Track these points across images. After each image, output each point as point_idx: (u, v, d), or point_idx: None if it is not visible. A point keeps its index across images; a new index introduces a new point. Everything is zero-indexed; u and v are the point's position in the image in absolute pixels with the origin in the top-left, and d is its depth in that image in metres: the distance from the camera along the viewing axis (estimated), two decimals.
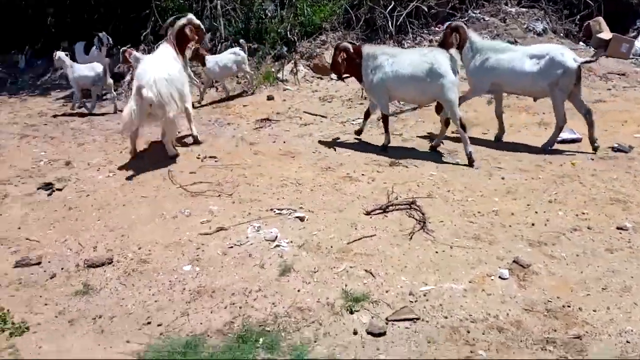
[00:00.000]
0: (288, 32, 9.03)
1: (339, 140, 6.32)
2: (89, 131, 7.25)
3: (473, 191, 4.81)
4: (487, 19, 9.75)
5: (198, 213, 4.59)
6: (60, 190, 5.22)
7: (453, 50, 5.67)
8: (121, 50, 8.14)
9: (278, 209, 4.55)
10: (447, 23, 6.44)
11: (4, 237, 4.26)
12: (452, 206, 4.52)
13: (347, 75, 6.41)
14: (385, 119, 5.94)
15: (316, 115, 7.33)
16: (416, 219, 4.24)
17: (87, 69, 8.05)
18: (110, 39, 8.92)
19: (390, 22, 8.85)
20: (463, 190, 4.83)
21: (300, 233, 4.12)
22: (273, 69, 8.99)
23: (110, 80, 8.18)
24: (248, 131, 6.82)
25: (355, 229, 4.16)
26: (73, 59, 8.61)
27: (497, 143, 6.09)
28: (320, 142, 6.28)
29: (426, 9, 9.14)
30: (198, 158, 5.92)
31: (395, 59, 5.69)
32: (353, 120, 7.06)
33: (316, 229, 4.17)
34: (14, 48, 11.72)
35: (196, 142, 6.36)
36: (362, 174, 5.26)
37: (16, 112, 8.57)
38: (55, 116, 8.10)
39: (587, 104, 5.81)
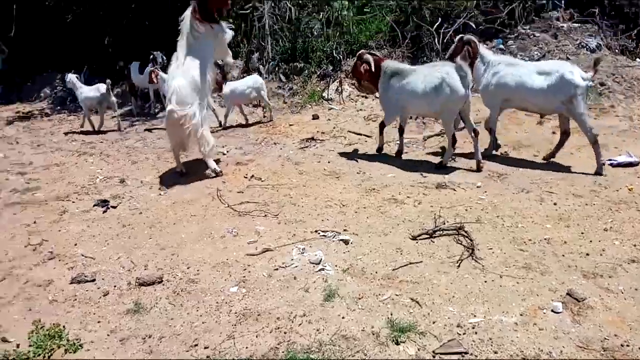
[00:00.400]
0: (334, 51, 9.11)
1: (384, 161, 6.30)
2: (142, 149, 7.52)
3: (523, 217, 4.68)
4: (537, 35, 9.53)
5: (245, 233, 4.67)
6: (114, 207, 5.42)
7: (462, 63, 5.69)
8: (149, 70, 8.52)
9: (322, 231, 4.57)
10: (459, 36, 6.34)
11: (62, 253, 4.46)
12: (502, 232, 4.41)
13: (367, 82, 6.62)
14: (382, 126, 6.48)
15: (361, 134, 7.35)
16: (464, 246, 4.16)
17: (92, 90, 8.63)
18: (165, 58, 9.25)
19: (436, 39, 8.79)
20: (513, 215, 4.71)
21: (344, 257, 4.12)
22: (318, 88, 9.09)
23: (113, 99, 8.66)
24: (294, 151, 6.90)
25: (401, 254, 4.12)
26: (116, 77, 9.00)
27: (548, 164, 5.92)
28: (363, 161, 6.28)
29: (474, 26, 9.02)
30: (245, 177, 6.03)
31: (409, 77, 5.98)
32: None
33: (361, 252, 4.16)
34: (74, 67, 12.35)
35: (217, 174, 6.12)
36: (408, 197, 5.22)
37: (74, 130, 8.99)
38: (65, 133, 8.48)
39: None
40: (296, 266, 4.03)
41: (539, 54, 8.97)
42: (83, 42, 11.62)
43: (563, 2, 9.98)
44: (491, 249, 4.16)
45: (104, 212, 5.34)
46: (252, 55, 9.59)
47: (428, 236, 4.38)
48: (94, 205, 5.48)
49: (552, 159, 6.08)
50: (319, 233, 4.56)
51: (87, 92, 8.64)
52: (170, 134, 6.04)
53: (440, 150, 6.57)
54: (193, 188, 5.82)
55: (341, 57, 9.15)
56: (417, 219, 4.72)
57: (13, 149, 8.10)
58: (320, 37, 9.50)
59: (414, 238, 4.36)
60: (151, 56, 9.27)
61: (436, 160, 6.24)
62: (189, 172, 6.33)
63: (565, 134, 6.01)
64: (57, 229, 4.98)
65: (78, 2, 10.59)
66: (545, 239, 4.29)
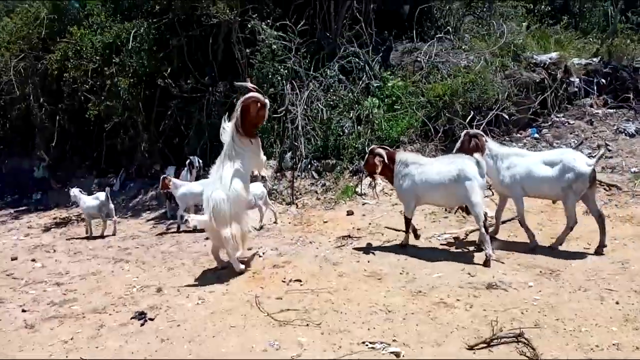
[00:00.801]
0: (366, 147, 9.21)
1: (426, 258, 6.08)
2: (177, 254, 7.48)
3: (585, 319, 4.34)
4: (572, 122, 9.53)
5: (287, 346, 4.42)
6: (152, 320, 5.26)
7: (478, 155, 5.98)
8: (161, 177, 8.75)
9: (370, 342, 4.30)
10: (465, 131, 6.52)
11: None
12: (565, 338, 4.07)
13: (381, 175, 6.77)
14: (407, 221, 6.47)
15: (398, 230, 7.17)
16: (527, 357, 3.83)
17: (92, 199, 9.05)
18: (201, 162, 9.48)
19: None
20: (574, 318, 4.37)
21: None
22: (351, 183, 9.10)
23: (111, 206, 9.01)
24: (330, 250, 6.76)
25: None
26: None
27: (601, 258, 5.61)
28: (404, 259, 6.08)
29: (507, 117, 9.08)
30: (284, 282, 5.86)
31: (425, 168, 6.18)
32: (439, 236, 6.84)
33: None
34: (110, 172, 12.80)
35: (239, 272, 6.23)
36: (458, 299, 4.94)
37: (111, 236, 9.08)
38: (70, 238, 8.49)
39: (600, 208, 6.09)
40: None
41: (575, 141, 8.90)
42: (120, 147, 12.10)
43: (596, 88, 10.05)
44: (556, 358, 3.81)
45: (142, 325, 5.19)
46: (285, 155, 9.76)
47: (486, 345, 4.06)
48: (132, 318, 5.34)
49: (604, 249, 5.80)
50: (366, 344, 4.29)
51: (89, 201, 9.09)
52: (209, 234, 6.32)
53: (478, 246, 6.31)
54: (231, 295, 5.66)
55: None
56: (471, 325, 4.42)
57: (50, 257, 8.16)
58: (352, 134, 9.66)
59: (470, 348, 4.06)
60: (188, 161, 9.52)
61: (479, 255, 5.99)
62: (226, 276, 6.22)
63: (600, 217, 5.87)
64: (95, 345, 4.82)
65: (118, 113, 11.14)
66: (614, 344, 3.93)
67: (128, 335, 4.97)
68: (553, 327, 4.25)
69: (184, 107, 11.42)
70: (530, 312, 4.55)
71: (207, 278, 6.30)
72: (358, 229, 7.53)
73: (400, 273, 5.73)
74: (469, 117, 9.05)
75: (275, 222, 8.37)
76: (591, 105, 10.01)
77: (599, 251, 5.78)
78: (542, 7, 13.07)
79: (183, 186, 8.65)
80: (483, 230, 5.81)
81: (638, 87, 9.94)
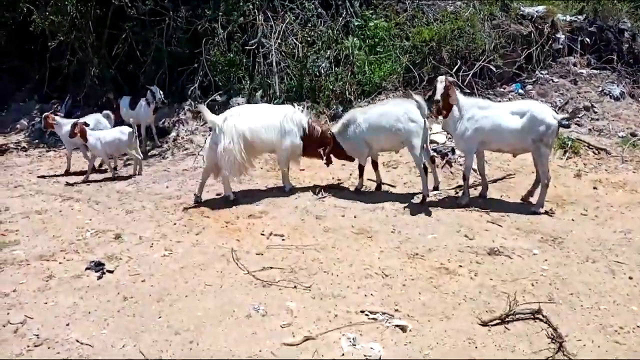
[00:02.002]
0: (346, 91, 8.51)
1: (417, 217, 5.61)
2: (136, 195, 6.67)
3: (601, 295, 4.01)
4: (556, 80, 9.13)
5: (275, 312, 3.87)
6: (111, 272, 4.56)
7: (419, 97, 5.95)
8: (43, 115, 7.76)
9: (371, 312, 3.81)
10: (444, 77, 5.88)
11: (50, 338, 3.57)
12: (584, 317, 3.73)
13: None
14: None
15: (381, 183, 6.65)
16: (550, 337, 3.45)
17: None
18: (162, 94, 8.50)
19: (458, 83, 8.26)
20: (588, 293, 4.03)
21: (407, 351, 3.36)
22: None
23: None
24: (311, 201, 6.16)
25: (476, 347, 3.39)
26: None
27: (602, 226, 5.33)
28: (393, 216, 5.60)
29: (494, 69, 8.57)
30: (263, 235, 5.25)
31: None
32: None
33: (426, 345, 3.41)
34: (54, 97, 11.47)
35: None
36: (460, 266, 4.51)
37: (56, 169, 8.08)
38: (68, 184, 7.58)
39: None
40: None
41: (561, 100, 8.55)
42: (67, 70, 10.77)
43: (579, 47, 9.66)
44: (580, 340, 3.47)
45: (99, 277, 4.47)
46: (255, 93, 8.90)
47: (500, 321, 3.66)
48: (87, 269, 4.61)
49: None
50: (366, 314, 3.80)
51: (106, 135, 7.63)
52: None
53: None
54: (203, 247, 5.01)
55: (352, 97, 8.54)
56: (479, 297, 4.01)
57: None
58: (329, 75, 8.90)
59: (484, 324, 3.64)
60: (148, 91, 8.50)
61: (472, 215, 5.59)
62: (195, 225, 5.54)
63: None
64: (43, 300, 4.10)
65: (65, 30, 9.79)
66: (638, 326, 3.62)
67: (83, 290, 4.26)
68: (569, 303, 3.90)
69: (141, 32, 10.19)
70: (541, 284, 4.18)
71: (172, 226, 5.59)
72: (338, 180, 6.96)
73: (392, 231, 5.25)
74: (455, 67, 8.46)
75: (139, 174, 7.63)
76: (575, 64, 9.64)
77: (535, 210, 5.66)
78: None
79: (93, 135, 7.39)
80: (422, 171, 5.93)
81: (622, 49, 9.62)
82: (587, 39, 9.76)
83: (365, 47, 8.95)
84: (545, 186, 5.67)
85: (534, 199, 5.87)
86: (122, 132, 7.43)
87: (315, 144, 6.45)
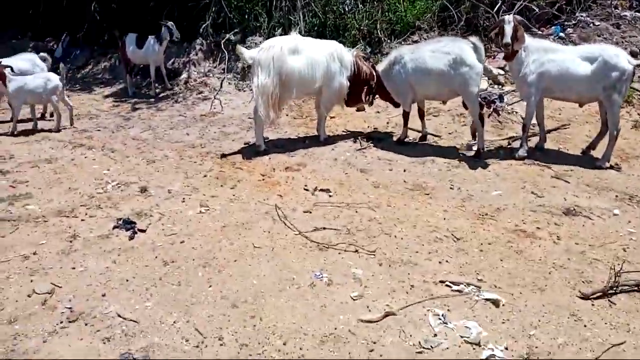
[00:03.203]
0: (375, 30, 7.76)
1: (474, 171, 5.08)
2: (154, 143, 6.05)
3: None
4: (597, 23, 8.42)
5: (340, 280, 3.38)
6: (144, 231, 4.02)
7: (475, 39, 5.34)
8: None
9: (453, 283, 3.33)
10: (513, 16, 5.31)
11: (87, 313, 3.06)
12: None
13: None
14: (523, 125, 5.46)
15: (426, 133, 6.08)
16: None
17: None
18: (177, 33, 7.70)
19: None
20: None
21: (508, 329, 2.90)
22: None
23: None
24: (351, 153, 5.60)
25: (584, 325, 2.94)
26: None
27: None
28: (447, 170, 5.07)
29: (537, 9, 7.83)
30: (307, 190, 4.71)
31: (555, 55, 5.17)
32: (474, 143, 5.82)
33: (528, 323, 2.95)
34: (50, 35, 10.54)
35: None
36: (538, 227, 4.03)
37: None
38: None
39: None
40: (447, 347, 2.79)
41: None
42: (65, 4, 9.80)
43: None
44: None
45: (131, 238, 3.94)
46: (274, 32, 8.11)
47: (602, 294, 3.21)
48: (115, 227, 4.06)
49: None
50: (447, 285, 3.32)
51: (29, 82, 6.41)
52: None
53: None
54: (242, 204, 4.46)
55: (382, 37, 7.80)
56: (570, 264, 3.54)
57: None
58: (356, 13, 8.11)
59: (585, 297, 3.19)
60: (164, 28, 7.67)
61: (533, 169, 5.08)
62: (228, 177, 4.98)
63: (607, 125, 5.27)
64: (71, 265, 3.56)
65: None
66: None
67: (115, 253, 3.73)
68: None
69: None
70: (634, 251, 3.72)
71: (202, 178, 5.03)
72: (375, 128, 6.36)
73: (451, 188, 4.73)
74: (497, 6, 7.70)
75: (71, 125, 6.67)
76: (615, 7, 8.92)
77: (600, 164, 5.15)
78: None
79: (15, 80, 6.21)
80: (479, 122, 5.36)
81: None
82: None
83: None
84: (615, 138, 5.15)
85: (595, 152, 5.38)
86: (49, 80, 6.36)
87: (360, 87, 5.81)
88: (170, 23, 7.70)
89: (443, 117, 6.50)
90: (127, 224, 4.07)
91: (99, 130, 6.58)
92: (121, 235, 3.96)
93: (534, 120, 5.69)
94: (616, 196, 4.59)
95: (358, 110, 6.77)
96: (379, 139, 5.97)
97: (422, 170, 5.10)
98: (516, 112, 6.39)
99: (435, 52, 5.38)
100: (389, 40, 7.87)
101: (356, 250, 3.72)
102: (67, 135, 6.41)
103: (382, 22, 7.81)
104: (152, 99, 7.85)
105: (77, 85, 8.91)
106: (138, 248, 3.80)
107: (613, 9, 8.81)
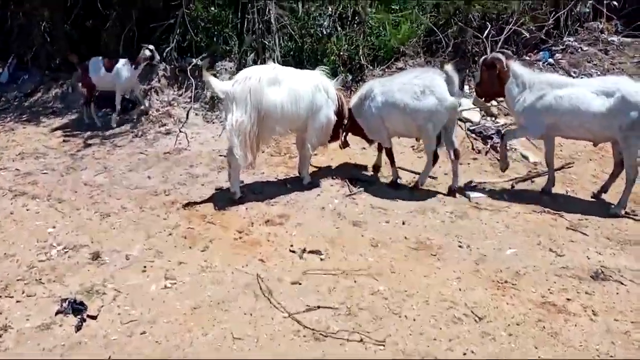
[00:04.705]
0: (357, 55, 7.17)
1: (480, 222, 4.49)
2: (110, 189, 5.22)
3: None
4: (585, 48, 8.10)
5: None
6: (94, 318, 3.23)
7: (449, 67, 4.80)
8: None
9: None
10: (483, 58, 5.15)
11: None
12: None
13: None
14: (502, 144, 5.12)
15: (418, 173, 5.47)
16: None
17: None
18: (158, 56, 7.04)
19: (488, 49, 7.08)
20: None
21: None
22: None
23: None
24: (339, 199, 4.93)
25: None
26: None
27: None
28: (450, 221, 4.47)
29: (526, 34, 7.40)
30: (293, 252, 4.00)
31: (564, 90, 4.70)
32: (473, 185, 5.26)
33: None
34: None
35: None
36: (568, 299, 3.44)
37: (2, 150, 6.44)
38: None
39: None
40: None
41: (597, 72, 7.52)
42: (10, 25, 8.88)
43: (605, 11, 8.62)
44: None
45: (78, 328, 3.14)
46: (246, 57, 7.43)
47: None
48: (58, 313, 3.26)
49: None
50: None
51: None
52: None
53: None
54: (217, 273, 3.72)
55: (365, 64, 7.21)
56: (615, 350, 2.95)
57: None
58: (332, 36, 7.51)
59: None
60: (145, 50, 7.01)
61: (545, 218, 4.53)
62: (197, 234, 4.23)
63: (621, 165, 4.80)
64: None
65: None
66: None
67: (56, 353, 2.93)
68: None
69: None
70: None
71: (167, 237, 4.26)
72: (361, 167, 5.72)
73: (460, 246, 4.10)
74: (486, 31, 7.24)
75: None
76: (602, 31, 8.64)
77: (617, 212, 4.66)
78: None
79: None
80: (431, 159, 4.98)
81: None
82: (615, 3, 8.75)
83: (378, 3, 7.57)
84: (632, 184, 4.65)
85: (604, 193, 5.00)
86: None
87: (341, 121, 5.23)
88: (150, 46, 6.96)
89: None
90: (74, 307, 3.28)
91: (45, 173, 5.71)
92: (66, 325, 3.17)
93: (536, 160, 5.23)
94: None
95: (342, 147, 6.12)
96: (369, 181, 5.32)
97: (423, 222, 4.46)
98: (515, 149, 5.87)
99: (405, 84, 4.87)
100: (371, 67, 7.30)
101: (361, 340, 3.04)
102: (7, 179, 5.52)
103: (364, 48, 7.23)
104: (108, 132, 6.99)
105: (24, 116, 7.96)
106: (87, 343, 3.02)
107: (599, 33, 8.54)
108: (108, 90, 7.29)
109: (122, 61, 7.03)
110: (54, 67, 8.73)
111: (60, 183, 5.42)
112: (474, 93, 5.70)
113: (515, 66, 4.93)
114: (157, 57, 7.08)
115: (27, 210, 4.78)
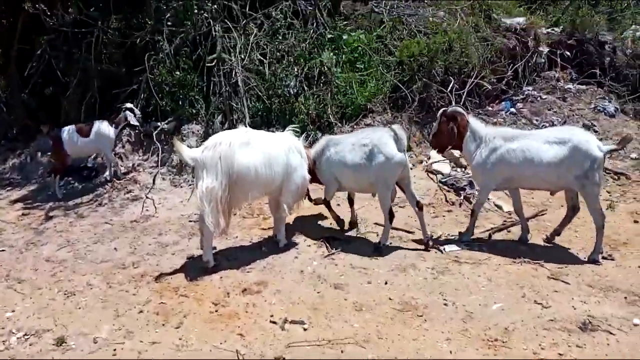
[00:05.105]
0: (325, 114, 7.23)
1: (462, 276, 4.40)
2: (74, 265, 4.93)
3: None
4: (544, 97, 8.42)
5: None
6: None
7: (397, 127, 4.93)
8: None
9: None
10: (442, 110, 5.24)
11: None
12: None
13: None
14: (474, 210, 5.09)
15: (398, 229, 5.41)
16: None
17: None
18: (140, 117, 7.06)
19: (453, 101, 7.25)
20: None
21: None
22: None
23: None
24: (318, 260, 4.78)
25: None
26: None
27: None
28: (433, 277, 4.36)
29: (489, 86, 7.64)
30: (274, 323, 3.79)
31: (517, 142, 4.79)
32: (451, 238, 5.21)
33: None
34: None
35: None
36: (560, 354, 3.34)
37: None
38: None
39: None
40: None
41: (558, 120, 7.78)
42: None
43: (559, 61, 9.06)
44: None
45: None
46: (214, 119, 7.38)
47: None
48: None
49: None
50: None
51: None
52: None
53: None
54: (193, 352, 3.47)
55: (333, 121, 7.26)
56: None
57: None
58: (300, 95, 7.58)
59: None
60: (125, 111, 6.95)
61: (525, 269, 4.49)
62: (170, 309, 3.98)
63: (574, 210, 5.00)
64: None
65: None
66: None
67: None
68: None
69: (62, 46, 8.32)
70: None
71: (138, 315, 3.99)
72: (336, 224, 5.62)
73: (445, 304, 3.98)
74: (450, 85, 7.45)
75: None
76: (558, 80, 9.04)
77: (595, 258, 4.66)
78: None
79: None
80: (387, 218, 4.92)
81: (604, 62, 9.12)
82: (567, 52, 9.22)
83: (344, 62, 7.72)
84: (601, 228, 4.67)
85: (557, 236, 5.10)
86: None
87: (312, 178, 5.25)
88: (129, 104, 6.90)
89: (411, 209, 5.86)
90: None
91: (3, 250, 5.37)
92: None
93: (509, 209, 5.26)
94: (625, 298, 4.03)
95: (315, 203, 6.03)
96: (346, 240, 5.21)
97: (406, 281, 4.34)
98: (488, 199, 5.89)
99: (355, 144, 4.98)
100: (340, 124, 7.35)
101: None
102: None
103: (332, 106, 7.30)
104: (71, 202, 6.71)
105: None
106: None
107: (556, 81, 8.92)
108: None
109: (99, 123, 6.93)
110: (11, 136, 8.47)
111: (19, 261, 5.10)
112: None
113: (472, 120, 5.05)
114: (137, 116, 7.01)
115: None
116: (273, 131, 6.23)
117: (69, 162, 7.08)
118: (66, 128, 6.89)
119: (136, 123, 7.13)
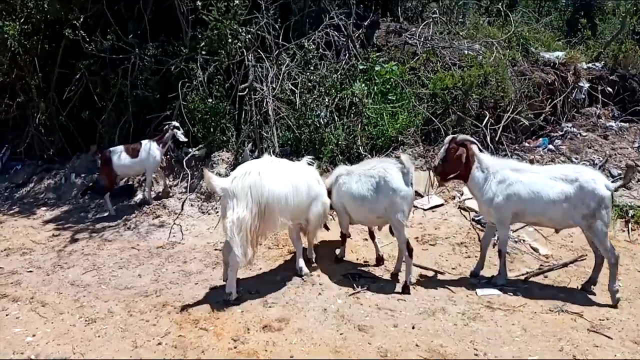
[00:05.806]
0: (355, 145, 7.13)
1: (495, 324, 4.16)
2: (97, 290, 4.90)
3: None
4: (584, 134, 8.14)
5: None
6: None
7: (405, 157, 4.79)
8: None
9: None
10: (451, 136, 5.06)
11: None
12: None
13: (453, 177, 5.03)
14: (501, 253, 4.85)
15: (426, 268, 5.21)
16: None
17: None
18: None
19: (487, 137, 7.07)
20: None
21: None
22: None
23: None
24: (342, 299, 4.62)
25: None
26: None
27: None
28: (461, 321, 4.13)
29: (525, 122, 7.43)
30: None
31: (524, 175, 4.70)
32: (485, 282, 4.96)
33: None
34: None
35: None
36: None
37: None
38: None
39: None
40: None
41: (599, 159, 7.47)
42: (4, 117, 8.94)
43: (600, 97, 8.79)
44: None
45: None
46: (244, 147, 7.37)
47: None
48: None
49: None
50: None
51: None
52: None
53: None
54: None
55: (363, 152, 7.16)
56: None
57: None
58: (329, 125, 7.51)
59: None
60: (173, 129, 7.14)
61: (563, 319, 4.22)
62: (190, 343, 3.87)
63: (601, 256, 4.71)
64: None
65: (3, 70, 8.04)
66: None
67: None
68: None
69: (100, 72, 8.54)
70: None
71: (156, 347, 3.89)
72: (364, 262, 5.45)
73: (475, 354, 3.75)
74: (485, 120, 7.26)
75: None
76: (599, 117, 8.75)
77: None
78: None
79: None
80: (406, 253, 4.67)
81: None
82: (609, 88, 8.94)
83: (375, 94, 7.65)
84: (614, 265, 4.49)
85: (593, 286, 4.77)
86: None
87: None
88: (175, 123, 7.11)
89: (442, 247, 5.68)
90: None
91: (30, 271, 5.41)
92: None
93: (547, 252, 5.02)
94: None
95: (342, 237, 5.88)
96: (373, 278, 5.03)
97: (434, 326, 4.13)
98: (523, 240, 5.65)
99: (361, 176, 4.87)
100: (369, 155, 7.23)
101: None
102: None
103: (362, 137, 7.21)
104: (99, 225, 6.76)
105: (15, 207, 7.77)
106: None
107: (597, 118, 8.65)
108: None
109: (147, 143, 7.06)
110: (47, 157, 8.66)
111: (45, 283, 5.11)
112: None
113: (477, 151, 4.90)
114: (182, 133, 7.18)
115: (7, 315, 4.44)
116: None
117: (117, 182, 7.25)
118: (115, 149, 7.02)
119: (184, 139, 7.27)
